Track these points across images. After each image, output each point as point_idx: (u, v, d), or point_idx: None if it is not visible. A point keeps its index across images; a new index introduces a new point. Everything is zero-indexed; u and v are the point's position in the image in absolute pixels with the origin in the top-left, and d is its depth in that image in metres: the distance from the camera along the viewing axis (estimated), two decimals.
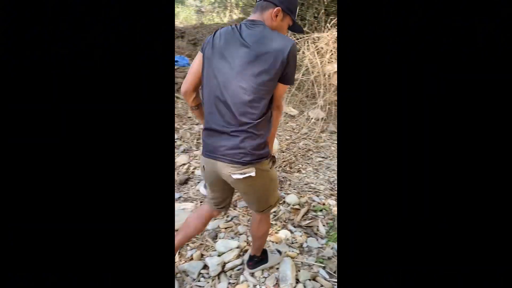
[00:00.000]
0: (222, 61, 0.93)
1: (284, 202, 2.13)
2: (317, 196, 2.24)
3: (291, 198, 2.16)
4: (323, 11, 4.51)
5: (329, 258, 1.59)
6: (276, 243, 1.67)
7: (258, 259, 1.39)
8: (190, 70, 1.04)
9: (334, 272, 1.48)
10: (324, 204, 2.15)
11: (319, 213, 2.04)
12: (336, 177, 2.42)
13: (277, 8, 0.95)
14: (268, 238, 1.66)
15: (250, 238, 1.65)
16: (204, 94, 1.00)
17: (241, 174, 0.95)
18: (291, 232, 1.80)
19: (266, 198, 1.12)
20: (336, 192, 2.30)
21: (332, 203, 2.16)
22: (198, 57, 1.01)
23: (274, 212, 1.98)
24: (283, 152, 2.89)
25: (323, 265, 1.53)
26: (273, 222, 1.89)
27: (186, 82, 1.04)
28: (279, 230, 1.80)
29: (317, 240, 1.74)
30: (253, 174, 0.95)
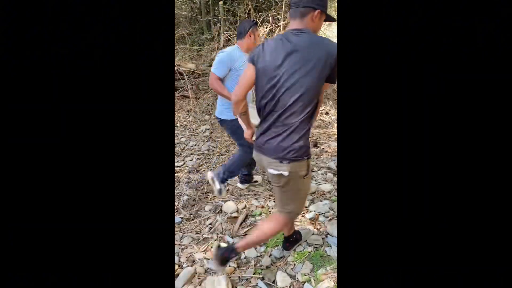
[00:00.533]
0: (277, 70, 1.02)
1: (221, 211, 1.96)
2: (256, 199, 2.09)
3: (228, 206, 1.97)
4: (253, 7, 4.56)
5: (267, 267, 1.49)
6: (211, 259, 1.54)
7: (227, 259, 1.28)
8: (242, 81, 1.12)
9: (273, 282, 1.40)
10: (263, 207, 2.00)
11: (258, 218, 1.90)
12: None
13: (317, 11, 1.02)
14: (203, 255, 1.60)
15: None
16: (261, 101, 1.09)
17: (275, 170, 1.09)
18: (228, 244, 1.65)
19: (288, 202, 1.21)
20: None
21: (271, 204, 2.01)
22: (250, 69, 1.09)
23: (210, 223, 1.86)
24: (222, 155, 2.80)
25: (261, 276, 1.44)
26: (209, 236, 1.75)
27: (238, 92, 1.13)
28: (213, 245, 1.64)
29: (256, 248, 1.61)
30: (285, 173, 1.07)
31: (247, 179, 2.19)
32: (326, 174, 2.47)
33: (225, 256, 1.27)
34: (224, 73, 1.69)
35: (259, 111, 1.13)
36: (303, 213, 1.91)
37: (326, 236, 1.71)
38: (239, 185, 2.21)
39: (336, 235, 1.65)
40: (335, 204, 2.00)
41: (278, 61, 1.02)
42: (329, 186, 2.25)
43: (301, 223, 1.83)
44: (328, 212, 1.93)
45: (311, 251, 1.59)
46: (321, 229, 1.77)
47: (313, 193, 2.16)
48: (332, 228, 1.72)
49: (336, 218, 1.84)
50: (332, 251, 1.59)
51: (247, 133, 1.37)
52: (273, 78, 1.03)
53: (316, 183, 2.30)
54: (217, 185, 1.93)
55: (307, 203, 1.97)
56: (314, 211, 1.94)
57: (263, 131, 1.12)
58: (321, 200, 2.07)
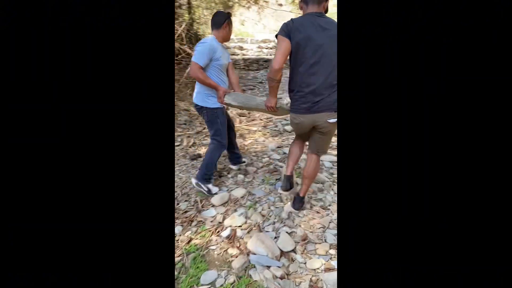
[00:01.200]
0: (313, 45, 1.29)
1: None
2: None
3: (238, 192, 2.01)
4: None
5: None
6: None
7: (304, 201, 1.75)
8: (280, 53, 1.30)
9: None
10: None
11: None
12: None
13: (327, 1, 1.37)
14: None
15: None
16: (300, 68, 1.35)
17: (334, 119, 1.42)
18: None
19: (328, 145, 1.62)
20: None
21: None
22: (285, 41, 1.30)
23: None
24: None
25: None
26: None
27: (278, 62, 1.31)
28: None
29: None
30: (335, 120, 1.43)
31: (238, 160, 2.31)
32: (237, 177, 2.24)
33: (301, 203, 1.71)
34: (206, 63, 1.71)
35: (300, 76, 1.36)
36: (218, 232, 1.66)
37: (248, 255, 1.46)
38: (232, 166, 2.33)
39: (259, 251, 1.44)
40: (251, 210, 1.82)
41: (318, 34, 1.29)
42: (241, 191, 2.01)
43: (217, 244, 1.56)
44: (245, 223, 1.71)
45: (234, 282, 1.31)
46: (241, 247, 1.53)
47: (225, 202, 1.93)
48: (253, 243, 1.50)
49: (254, 228, 1.67)
50: (258, 274, 1.33)
51: (271, 102, 1.54)
52: (318, 47, 1.30)
53: (227, 190, 2.06)
54: (204, 188, 1.94)
55: (221, 218, 1.79)
56: (230, 226, 1.69)
57: (312, 94, 1.36)
58: (235, 210, 1.84)
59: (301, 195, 1.72)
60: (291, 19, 1.31)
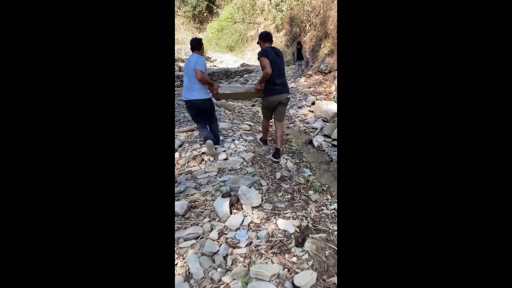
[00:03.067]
0: (276, 61, 2.40)
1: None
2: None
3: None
4: None
5: None
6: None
7: (281, 151, 2.69)
8: (267, 65, 2.34)
9: None
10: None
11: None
12: None
13: (272, 40, 2.62)
14: None
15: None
16: (274, 73, 2.37)
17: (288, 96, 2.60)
18: None
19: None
20: None
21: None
22: (266, 59, 2.36)
23: None
24: None
25: None
26: None
27: (269, 69, 2.34)
28: None
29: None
30: (290, 96, 2.68)
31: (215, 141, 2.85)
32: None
33: (278, 154, 2.61)
34: (205, 70, 2.46)
35: (276, 78, 2.41)
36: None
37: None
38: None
39: None
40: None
41: (275, 57, 2.41)
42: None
43: None
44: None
45: None
46: None
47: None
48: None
49: None
50: None
51: (259, 86, 2.54)
52: (278, 63, 2.42)
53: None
54: (219, 144, 2.78)
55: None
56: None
57: (280, 84, 2.45)
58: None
59: (278, 147, 2.63)
60: (264, 49, 2.43)
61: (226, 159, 2.51)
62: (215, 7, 16.69)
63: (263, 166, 2.45)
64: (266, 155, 2.72)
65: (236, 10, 14.10)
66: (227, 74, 9.04)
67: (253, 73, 8.55)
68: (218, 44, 14.80)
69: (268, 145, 2.93)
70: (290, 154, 2.92)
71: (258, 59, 2.41)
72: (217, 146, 2.67)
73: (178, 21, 19.02)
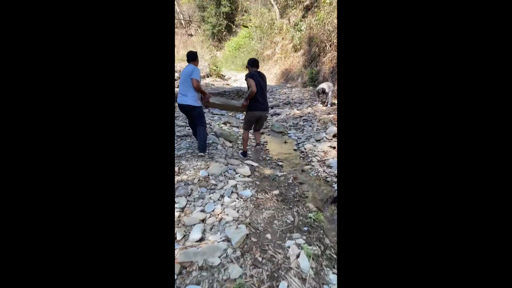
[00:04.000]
0: (260, 83, 2.85)
1: None
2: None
3: None
4: None
5: None
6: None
7: (260, 150, 3.26)
8: (253, 85, 2.76)
9: None
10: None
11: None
12: None
13: (259, 65, 3.08)
14: None
15: None
16: (257, 92, 2.80)
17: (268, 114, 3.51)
18: None
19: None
20: None
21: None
22: (252, 80, 2.78)
23: None
24: None
25: None
26: None
27: (254, 88, 2.76)
28: None
29: None
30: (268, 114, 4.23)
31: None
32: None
33: (259, 149, 3.16)
34: (200, 80, 2.80)
35: (258, 97, 2.84)
36: None
37: None
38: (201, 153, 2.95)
39: None
40: None
41: (260, 79, 2.86)
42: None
43: None
44: None
45: None
46: None
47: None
48: None
49: None
50: None
51: (245, 103, 2.95)
52: (261, 85, 2.85)
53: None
54: (204, 153, 2.90)
55: None
56: None
57: (262, 103, 2.88)
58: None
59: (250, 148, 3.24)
60: (250, 72, 2.86)
61: (201, 239, 1.55)
62: (234, 27, 16.46)
63: (260, 258, 1.44)
64: (266, 231, 1.70)
65: (254, 29, 13.67)
66: (239, 94, 8.40)
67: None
68: (234, 62, 14.32)
69: (248, 158, 3.09)
70: (305, 230, 1.79)
71: (246, 80, 2.83)
72: (202, 154, 2.85)
73: (197, 38, 19.05)
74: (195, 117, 2.83)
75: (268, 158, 3.42)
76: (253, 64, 2.89)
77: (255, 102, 2.82)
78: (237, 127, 4.56)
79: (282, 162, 3.30)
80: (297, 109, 5.93)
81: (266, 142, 4.07)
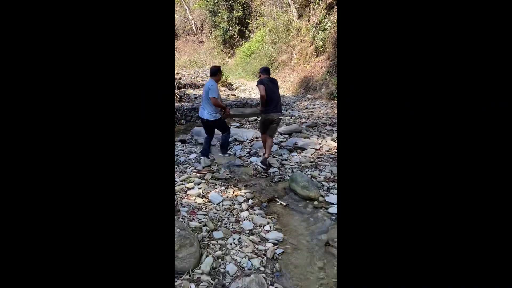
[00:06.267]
0: (272, 88, 2.89)
1: None
2: None
3: None
4: None
5: None
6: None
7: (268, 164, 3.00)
8: (263, 90, 2.80)
9: None
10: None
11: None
12: None
13: (270, 73, 3.21)
14: None
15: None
16: (268, 97, 2.84)
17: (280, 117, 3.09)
18: None
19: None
20: None
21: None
22: (262, 86, 2.81)
23: None
24: None
25: None
26: None
27: (263, 93, 2.81)
28: None
29: None
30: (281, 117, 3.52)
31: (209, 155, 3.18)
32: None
33: (267, 163, 2.97)
34: (218, 95, 2.92)
35: (270, 101, 2.87)
36: None
37: None
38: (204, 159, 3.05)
39: None
40: None
41: (271, 85, 2.89)
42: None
43: None
44: None
45: None
46: None
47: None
48: None
49: None
50: None
51: (261, 108, 2.95)
52: (272, 90, 2.88)
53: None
54: (226, 154, 3.26)
55: None
56: None
57: (275, 107, 2.90)
58: None
59: (266, 156, 2.96)
60: (261, 79, 2.89)
61: None
62: (247, 32, 14.41)
63: None
64: None
65: (268, 32, 11.51)
66: (244, 107, 6.22)
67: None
68: (244, 69, 12.17)
69: (268, 167, 2.91)
70: None
71: (257, 85, 2.89)
72: (225, 154, 3.23)
73: (209, 45, 17.27)
74: (216, 127, 3.07)
75: None
76: (264, 72, 3.01)
77: (267, 106, 2.87)
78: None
79: None
80: (333, 139, 3.60)
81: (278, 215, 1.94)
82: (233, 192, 2.29)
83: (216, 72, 2.91)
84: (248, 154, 3.32)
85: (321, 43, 8.29)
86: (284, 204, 2.18)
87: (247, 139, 3.73)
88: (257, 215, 1.97)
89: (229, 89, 9.64)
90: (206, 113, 2.87)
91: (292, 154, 3.22)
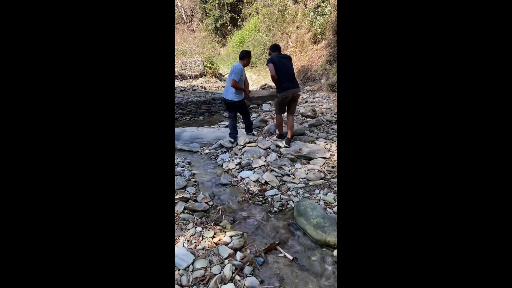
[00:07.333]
0: (283, 63, 2.74)
1: None
2: None
3: None
4: None
5: None
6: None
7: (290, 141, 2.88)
8: (272, 70, 2.70)
9: None
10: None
11: None
12: None
13: (280, 49, 3.03)
14: None
15: None
16: (281, 73, 2.70)
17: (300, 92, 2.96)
18: None
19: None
20: None
21: None
22: (272, 65, 2.71)
23: None
24: None
25: None
26: None
27: (273, 72, 2.71)
28: None
29: None
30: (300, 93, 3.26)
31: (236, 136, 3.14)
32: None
33: (289, 141, 2.83)
34: (239, 79, 2.87)
35: (284, 78, 2.72)
36: None
37: None
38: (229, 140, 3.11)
39: None
40: None
41: (282, 61, 2.75)
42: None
43: None
44: None
45: None
46: None
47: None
48: None
49: None
50: None
51: (277, 89, 2.86)
52: (285, 64, 2.74)
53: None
54: (251, 134, 3.25)
55: None
56: None
57: (291, 82, 2.74)
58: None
59: (289, 136, 2.84)
60: (271, 57, 2.79)
61: None
62: (240, 20, 13.26)
63: None
64: None
65: (261, 19, 10.47)
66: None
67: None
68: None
69: (285, 138, 2.86)
70: None
71: (267, 65, 2.78)
72: (250, 134, 3.16)
73: (199, 34, 16.06)
74: (238, 108, 3.03)
75: None
76: (274, 48, 2.92)
77: (281, 84, 2.73)
78: None
79: None
80: None
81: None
82: (212, 238, 1.51)
83: (244, 56, 2.90)
84: (238, 167, 2.50)
85: (319, 29, 7.38)
86: (291, 257, 1.41)
87: (237, 145, 2.92)
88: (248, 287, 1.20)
89: (220, 80, 8.72)
90: (230, 93, 2.91)
91: (296, 165, 2.44)
